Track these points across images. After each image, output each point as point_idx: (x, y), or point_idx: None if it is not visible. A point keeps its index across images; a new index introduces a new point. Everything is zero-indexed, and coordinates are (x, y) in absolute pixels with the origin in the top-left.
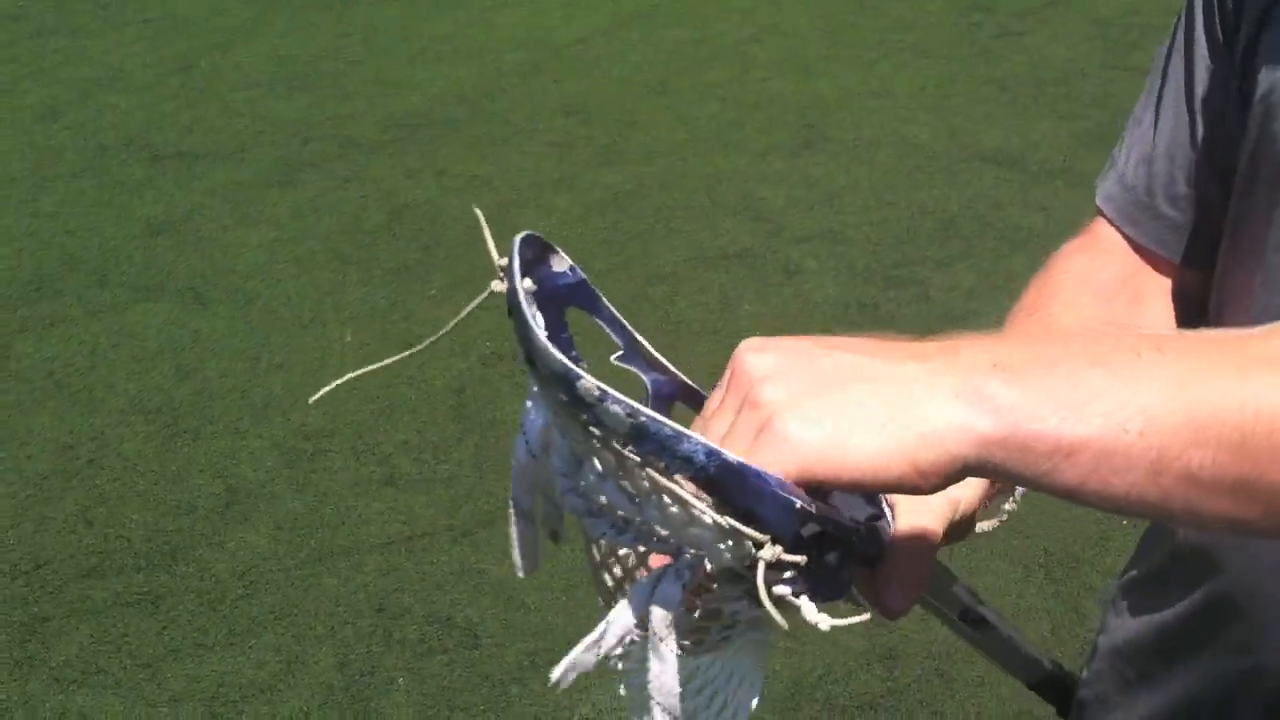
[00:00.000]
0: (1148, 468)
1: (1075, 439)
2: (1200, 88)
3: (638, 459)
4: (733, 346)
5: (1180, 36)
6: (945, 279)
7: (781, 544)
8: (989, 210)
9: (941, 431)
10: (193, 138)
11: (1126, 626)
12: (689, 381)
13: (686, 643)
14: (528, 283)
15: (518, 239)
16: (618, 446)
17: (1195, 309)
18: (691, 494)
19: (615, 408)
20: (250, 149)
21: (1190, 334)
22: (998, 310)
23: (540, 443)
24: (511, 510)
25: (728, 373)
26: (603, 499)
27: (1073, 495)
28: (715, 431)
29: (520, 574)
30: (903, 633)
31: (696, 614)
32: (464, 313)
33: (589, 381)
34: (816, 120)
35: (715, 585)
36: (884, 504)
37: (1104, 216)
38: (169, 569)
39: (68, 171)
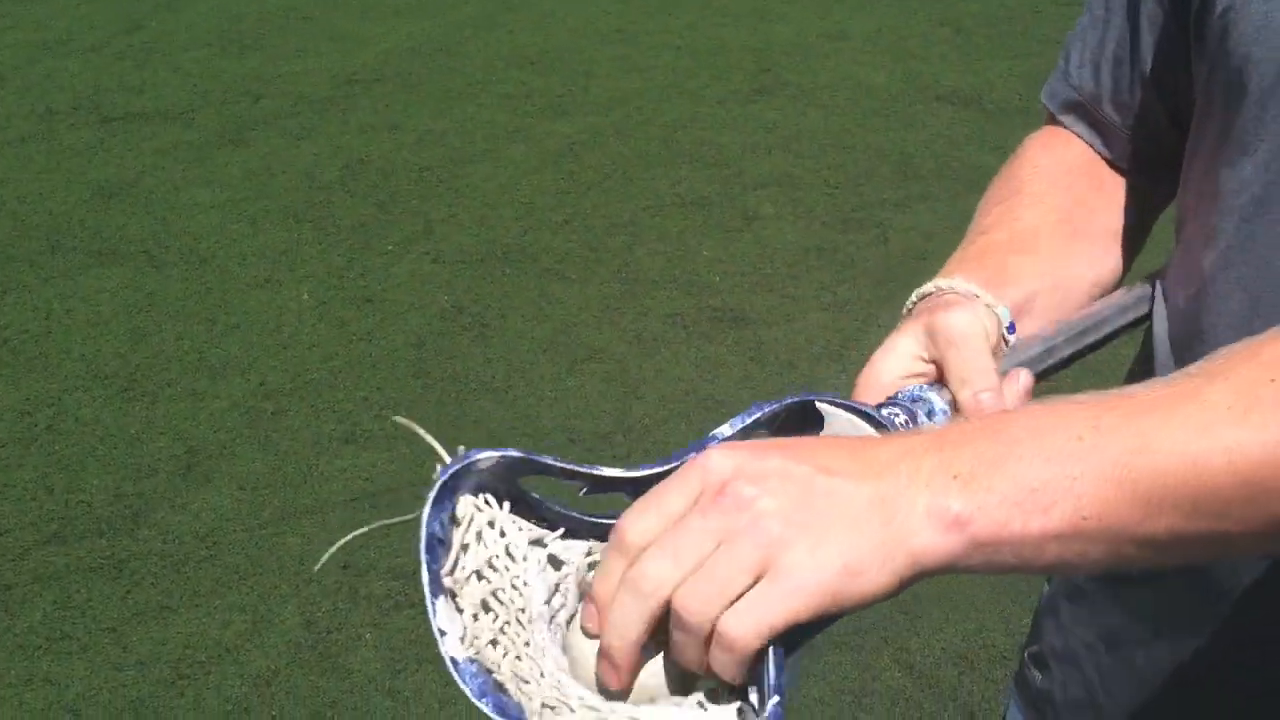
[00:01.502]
0: (1111, 542)
1: (1037, 534)
2: (1150, 3)
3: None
4: (692, 294)
5: None
6: (904, 220)
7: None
8: (946, 151)
9: (919, 554)
10: (142, 99)
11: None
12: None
13: None
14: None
15: (432, 490)
16: None
17: (1146, 208)
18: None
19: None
20: (200, 109)
21: (1133, 393)
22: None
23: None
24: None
25: (691, 479)
26: None
27: (1053, 571)
28: (686, 548)
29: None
30: None
31: None
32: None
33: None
34: (772, 65)
35: None
36: None
37: (1049, 112)
38: (131, 533)
39: (16, 137)
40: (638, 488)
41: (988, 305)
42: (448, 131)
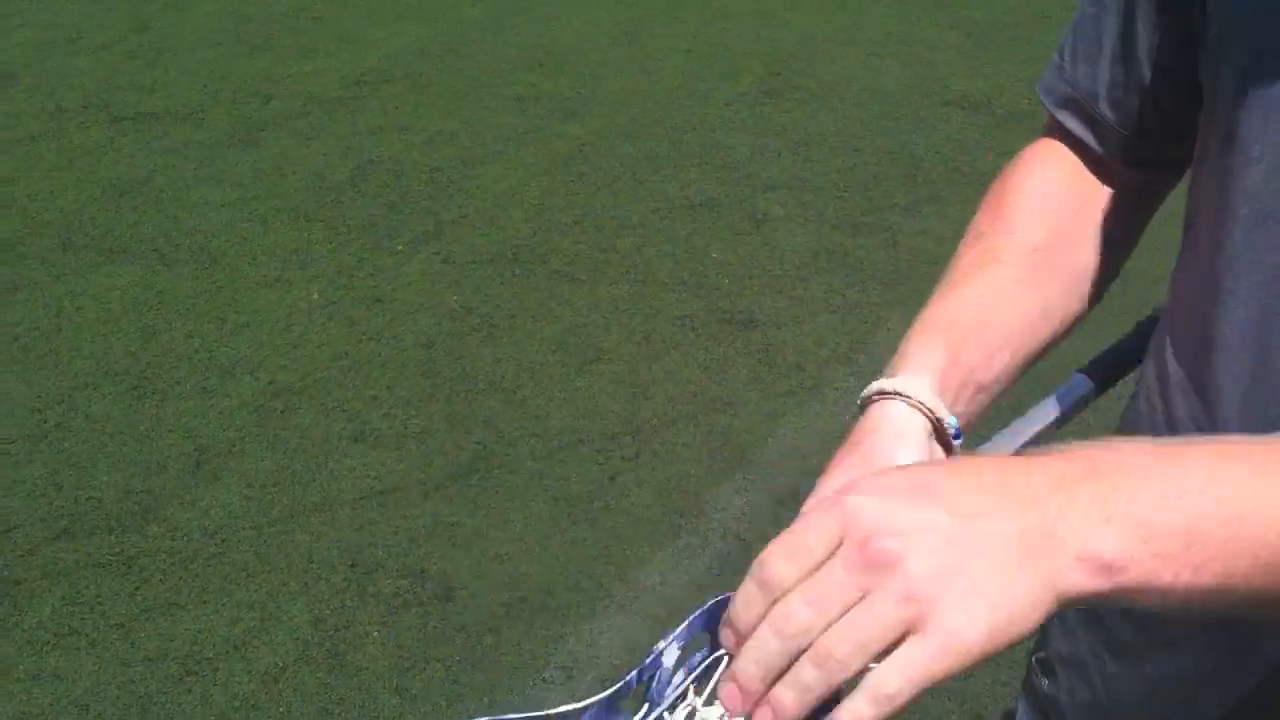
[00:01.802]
0: (1253, 602)
1: (1183, 589)
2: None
3: None
4: (701, 296)
5: None
6: (913, 224)
7: None
8: (955, 154)
9: (1065, 593)
10: (152, 98)
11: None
12: None
13: None
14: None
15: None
16: None
17: (1139, 207)
18: None
19: None
20: (210, 109)
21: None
22: None
23: None
24: None
25: (831, 524)
26: None
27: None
28: (831, 598)
29: None
30: None
31: None
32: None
33: None
34: (781, 68)
35: None
36: None
37: (1046, 108)
38: (140, 529)
39: (26, 135)
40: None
41: (939, 420)
42: (457, 132)
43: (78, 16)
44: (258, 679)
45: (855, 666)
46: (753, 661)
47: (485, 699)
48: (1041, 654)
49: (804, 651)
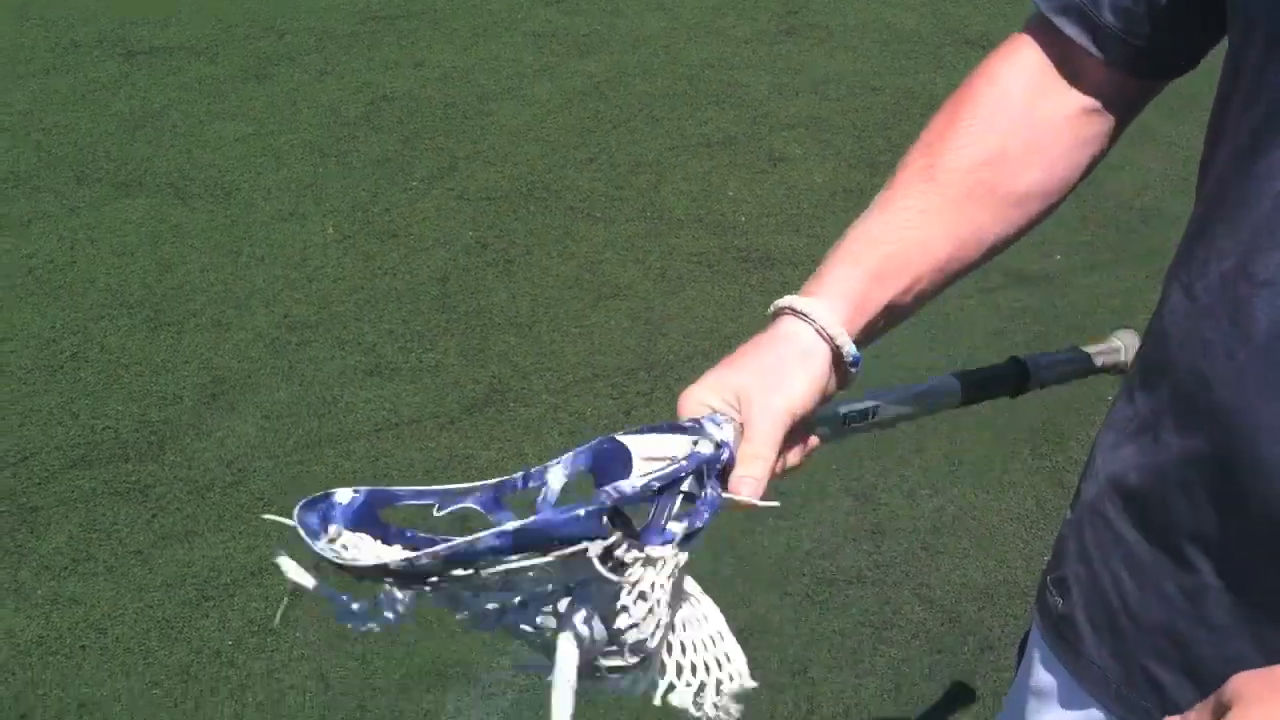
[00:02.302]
0: None
1: None
2: None
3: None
4: (718, 234)
5: None
6: None
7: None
8: None
9: None
10: (167, 33)
11: (1116, 464)
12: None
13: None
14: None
15: (295, 513)
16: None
17: (1127, 110)
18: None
19: (424, 561)
20: (224, 43)
21: None
22: None
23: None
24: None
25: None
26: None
27: None
28: None
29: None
30: (889, 509)
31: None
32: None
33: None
34: (800, 7)
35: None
36: (728, 445)
37: (1039, 8)
38: (157, 458)
39: (40, 69)
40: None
41: (840, 349)
42: (473, 68)
43: None
44: (274, 604)
45: None
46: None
47: None
48: (1057, 573)
49: None
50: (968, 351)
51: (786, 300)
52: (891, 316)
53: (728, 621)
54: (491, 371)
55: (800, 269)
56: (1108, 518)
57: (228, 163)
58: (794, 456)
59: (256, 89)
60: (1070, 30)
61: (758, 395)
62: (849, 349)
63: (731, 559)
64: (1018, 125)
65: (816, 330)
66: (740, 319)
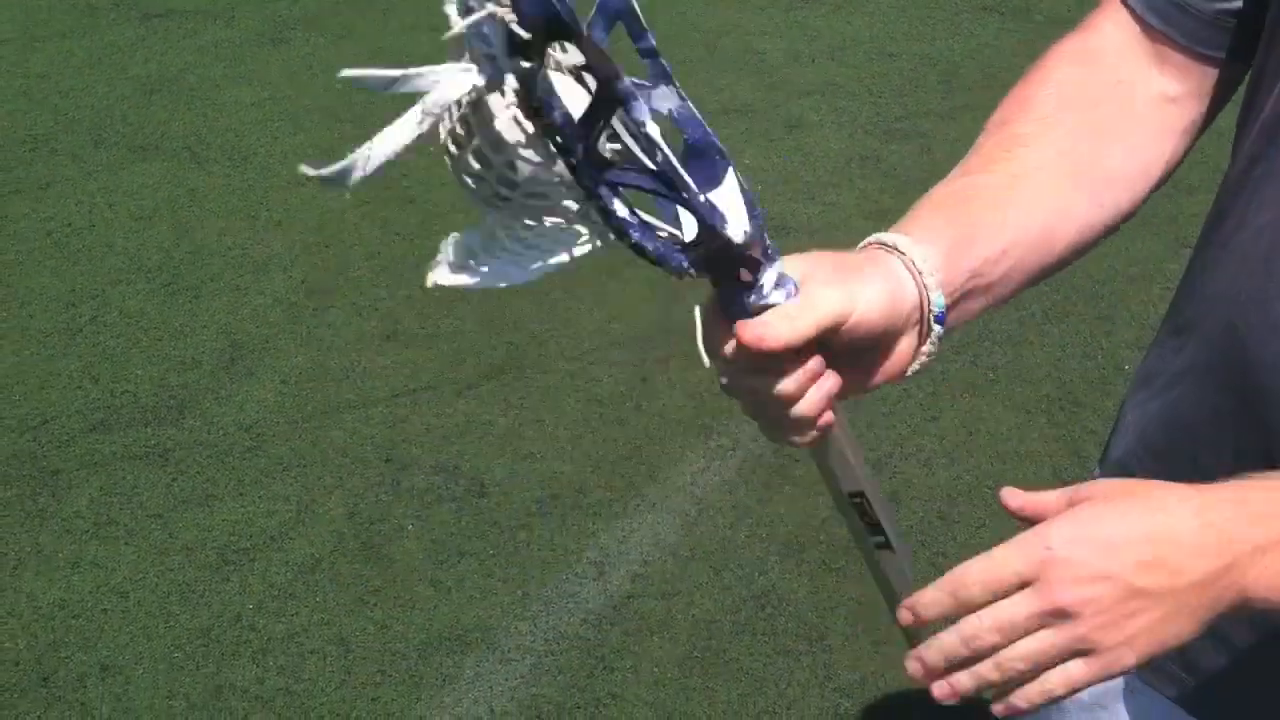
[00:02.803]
0: None
1: None
2: None
3: None
4: None
5: None
6: (948, 131)
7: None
8: (993, 61)
9: (1215, 609)
10: None
11: (1145, 421)
12: None
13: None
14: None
15: None
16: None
17: (1203, 99)
18: None
19: None
20: (241, 6)
21: None
22: None
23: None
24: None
25: (1033, 554)
26: None
27: None
28: (1015, 628)
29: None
30: (905, 477)
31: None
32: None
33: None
34: None
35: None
36: (790, 282)
37: (1126, 5)
38: (176, 422)
39: (57, 32)
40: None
41: (927, 295)
42: None
43: None
44: (294, 569)
45: (1029, 676)
46: (939, 654)
47: (518, 591)
48: None
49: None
50: (981, 323)
51: (873, 236)
52: (972, 291)
53: (747, 588)
54: (508, 338)
55: (816, 236)
56: (1135, 475)
57: (244, 127)
58: (827, 383)
59: (273, 53)
60: (1149, 11)
61: (820, 281)
62: (935, 298)
63: (747, 525)
64: (1099, 104)
65: (907, 268)
66: None
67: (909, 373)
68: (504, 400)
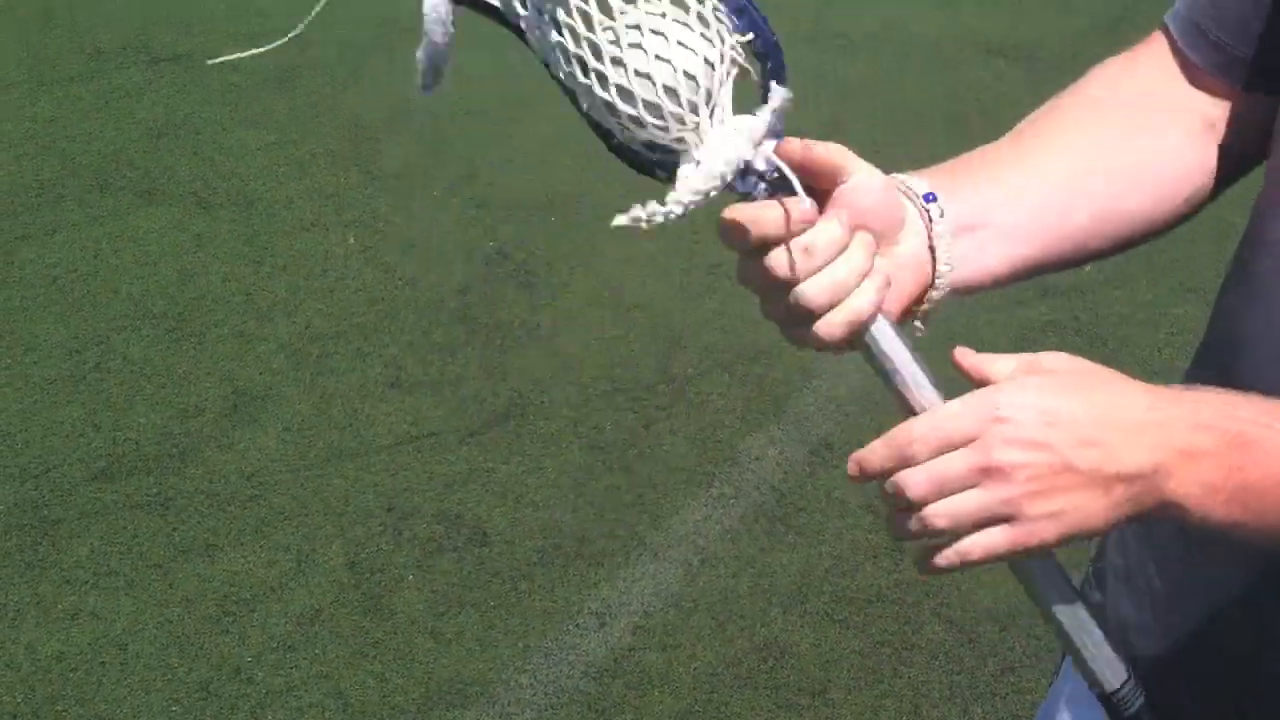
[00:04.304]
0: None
1: (1247, 527)
2: None
3: None
4: None
5: None
6: None
7: None
8: (996, 104)
9: (1155, 508)
10: (190, 40)
11: None
12: None
13: None
14: None
15: None
16: None
17: (1237, 136)
18: None
19: None
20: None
21: None
22: None
23: None
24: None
25: (984, 412)
26: None
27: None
28: (950, 482)
29: (423, 90)
30: None
31: None
32: None
33: None
34: (819, 13)
35: None
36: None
37: (1167, 35)
38: (178, 471)
39: (64, 76)
40: None
41: (908, 189)
42: (497, 77)
43: None
44: (294, 621)
45: (948, 534)
46: (877, 460)
47: (519, 644)
48: (1099, 564)
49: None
50: None
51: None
52: (984, 226)
53: (749, 640)
54: (511, 385)
55: None
56: (1150, 551)
57: (250, 171)
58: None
59: (279, 97)
60: (1191, 49)
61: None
62: (913, 180)
63: (749, 576)
64: (1131, 104)
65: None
66: (759, 332)
67: (932, 293)
68: (507, 447)
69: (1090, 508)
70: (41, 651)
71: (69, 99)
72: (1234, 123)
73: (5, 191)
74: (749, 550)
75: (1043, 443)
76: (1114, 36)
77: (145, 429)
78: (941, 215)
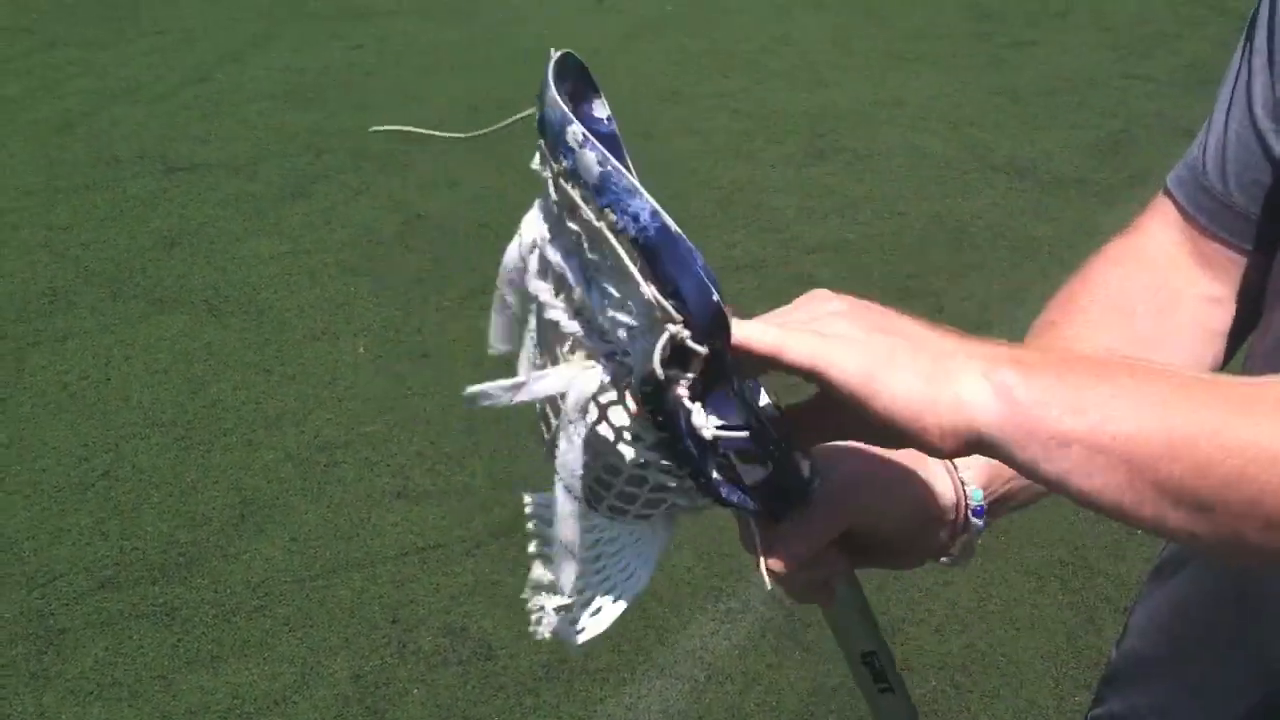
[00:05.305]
0: (1125, 471)
1: (1069, 433)
2: (1259, 90)
3: (597, 217)
4: None
5: (1248, 32)
6: (958, 289)
7: (692, 330)
8: (1001, 220)
9: (968, 401)
10: (206, 149)
11: (1152, 604)
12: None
13: (605, 507)
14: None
15: (556, 54)
16: (584, 203)
17: (1251, 298)
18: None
19: (590, 153)
20: (263, 161)
21: (1187, 373)
22: (1011, 321)
23: (530, 240)
24: (498, 295)
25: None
26: (566, 274)
27: (1059, 486)
28: (777, 314)
29: (495, 349)
30: (917, 644)
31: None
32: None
33: (578, 128)
34: (828, 130)
35: (635, 409)
36: (817, 476)
37: (1173, 200)
38: (184, 580)
39: (81, 184)
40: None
41: (963, 483)
42: (507, 188)
43: (137, 68)
44: None
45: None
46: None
47: None
48: (1097, 711)
49: None
50: None
51: None
52: (1019, 489)
53: None
54: (519, 495)
55: None
56: (1144, 656)
57: (262, 280)
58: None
59: (292, 206)
60: (1199, 212)
61: (850, 483)
62: (973, 492)
63: (757, 693)
64: (1141, 310)
65: (944, 465)
66: None
67: (942, 561)
68: (513, 559)
69: (906, 350)
70: None
71: (84, 206)
72: (1239, 295)
73: (19, 297)
74: (756, 666)
75: (861, 318)
76: (1116, 154)
77: (152, 537)
78: (981, 515)
